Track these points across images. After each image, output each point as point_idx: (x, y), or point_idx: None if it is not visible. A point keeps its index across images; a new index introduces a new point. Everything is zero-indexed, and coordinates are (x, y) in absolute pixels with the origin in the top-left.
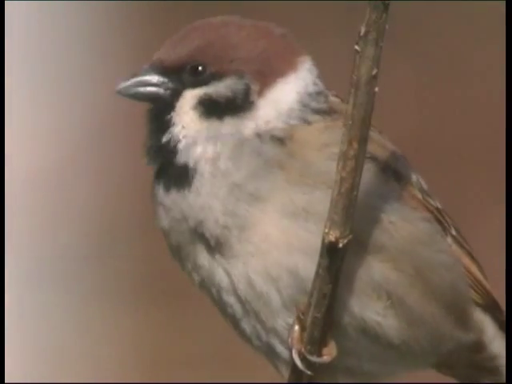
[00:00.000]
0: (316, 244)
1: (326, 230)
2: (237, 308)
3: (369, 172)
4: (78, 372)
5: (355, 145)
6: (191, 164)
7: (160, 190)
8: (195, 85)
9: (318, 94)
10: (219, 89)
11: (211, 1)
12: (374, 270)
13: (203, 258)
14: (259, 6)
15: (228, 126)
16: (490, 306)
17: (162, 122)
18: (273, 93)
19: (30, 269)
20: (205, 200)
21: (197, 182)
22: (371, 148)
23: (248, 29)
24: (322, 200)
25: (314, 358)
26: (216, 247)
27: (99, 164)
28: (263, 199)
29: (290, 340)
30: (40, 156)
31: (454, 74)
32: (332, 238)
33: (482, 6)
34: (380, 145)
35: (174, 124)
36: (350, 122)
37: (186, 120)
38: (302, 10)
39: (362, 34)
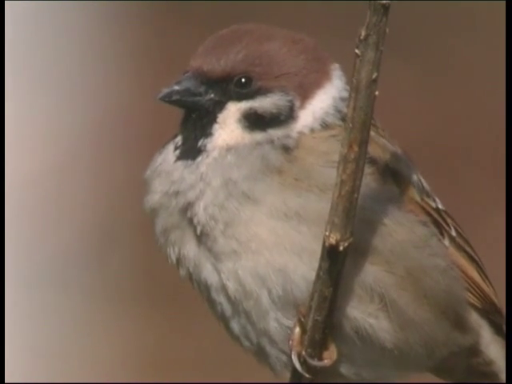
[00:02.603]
0: (307, 246)
1: (327, 233)
2: (226, 307)
3: (366, 174)
4: (78, 372)
5: (355, 148)
6: (207, 147)
7: (169, 159)
8: (240, 97)
9: (340, 110)
10: (265, 104)
11: (211, 1)
12: (366, 271)
13: (189, 247)
14: (259, 6)
15: (274, 133)
16: (488, 310)
17: (202, 132)
18: (312, 103)
19: (30, 270)
20: (198, 178)
21: (199, 159)
22: (370, 149)
23: (288, 44)
24: (314, 203)
25: (314, 362)
26: (201, 238)
27: (99, 165)
28: (255, 200)
29: (290, 343)
30: (40, 157)
31: (455, 76)
32: (333, 240)
33: (483, 7)
34: (380, 146)
35: (215, 135)
36: (351, 125)
37: (229, 131)
38: (302, 12)
39: (362, 37)
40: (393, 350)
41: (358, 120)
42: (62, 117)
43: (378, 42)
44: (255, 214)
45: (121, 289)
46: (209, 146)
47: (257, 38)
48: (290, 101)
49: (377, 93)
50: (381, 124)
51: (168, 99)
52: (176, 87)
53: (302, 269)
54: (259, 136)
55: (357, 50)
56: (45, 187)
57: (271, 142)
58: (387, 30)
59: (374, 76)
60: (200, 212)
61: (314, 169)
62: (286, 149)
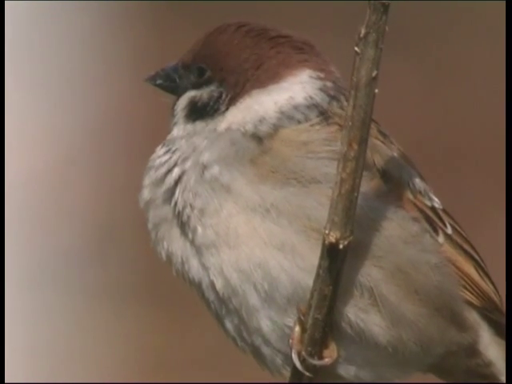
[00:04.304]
0: (287, 240)
1: (327, 232)
2: (218, 305)
3: None
4: (79, 372)
5: (355, 146)
6: (174, 133)
7: (157, 151)
8: (194, 86)
9: (309, 107)
10: (203, 93)
11: (211, 1)
12: (354, 266)
13: (176, 243)
14: (260, 6)
15: (200, 126)
16: (487, 308)
17: (172, 118)
18: (246, 101)
19: (30, 269)
20: (173, 161)
21: (173, 144)
22: None
23: (241, 38)
24: (293, 197)
25: (315, 361)
26: (184, 228)
27: (100, 165)
28: (229, 189)
29: (290, 341)
30: (41, 157)
31: (454, 75)
32: (332, 239)
33: (483, 6)
34: (369, 147)
35: (177, 121)
36: (350, 124)
37: (176, 120)
38: (302, 10)
39: (361, 35)
40: (387, 347)
41: (358, 118)
42: (62, 116)
43: (378, 40)
44: (228, 203)
45: (122, 288)
46: (175, 132)
47: (219, 31)
48: (221, 92)
49: (376, 91)
50: (379, 123)
51: (153, 82)
52: (160, 71)
53: (284, 265)
54: (190, 127)
55: (356, 48)
56: (46, 187)
57: (240, 128)
58: (387, 29)
59: (373, 74)
60: (179, 198)
61: (290, 160)
62: (258, 138)
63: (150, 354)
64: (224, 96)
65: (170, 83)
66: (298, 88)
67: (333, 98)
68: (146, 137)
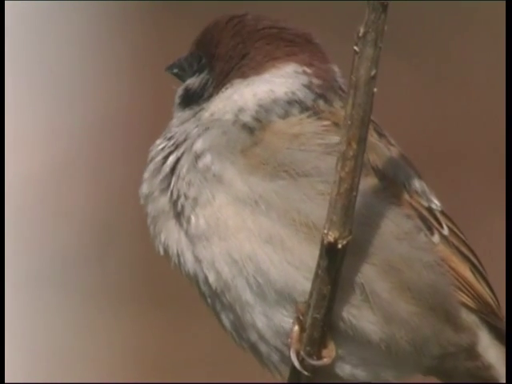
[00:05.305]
0: (275, 233)
1: (325, 231)
2: (214, 300)
3: None
4: (78, 372)
5: (354, 145)
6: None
7: (156, 142)
8: (194, 73)
9: (290, 102)
10: (196, 81)
11: (211, 1)
12: (347, 263)
13: (172, 236)
14: (260, 6)
15: (188, 113)
16: (483, 311)
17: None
18: (228, 91)
19: (29, 270)
20: (167, 148)
21: (168, 132)
22: None
23: (233, 26)
24: (282, 189)
25: (313, 362)
26: (180, 219)
27: (98, 166)
28: (220, 179)
29: (288, 340)
30: (39, 157)
31: (454, 74)
32: (331, 238)
33: (483, 6)
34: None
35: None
36: (349, 123)
37: (174, 107)
38: (302, 10)
39: (360, 34)
40: (379, 345)
41: (357, 117)
42: (61, 117)
43: (377, 39)
44: (220, 194)
45: (120, 288)
46: (172, 121)
47: (215, 21)
48: (208, 79)
49: (375, 90)
50: (378, 121)
51: (170, 71)
52: (176, 61)
53: (274, 259)
54: (181, 114)
55: (355, 47)
56: (44, 187)
57: (221, 118)
58: (386, 27)
59: (372, 73)
60: (174, 188)
61: (280, 152)
62: (249, 128)
63: (148, 354)
64: (209, 83)
65: (182, 72)
66: (279, 81)
67: (319, 95)
68: (145, 138)
